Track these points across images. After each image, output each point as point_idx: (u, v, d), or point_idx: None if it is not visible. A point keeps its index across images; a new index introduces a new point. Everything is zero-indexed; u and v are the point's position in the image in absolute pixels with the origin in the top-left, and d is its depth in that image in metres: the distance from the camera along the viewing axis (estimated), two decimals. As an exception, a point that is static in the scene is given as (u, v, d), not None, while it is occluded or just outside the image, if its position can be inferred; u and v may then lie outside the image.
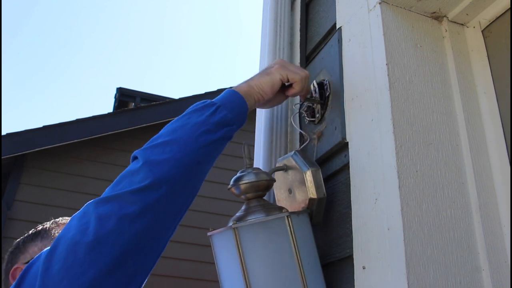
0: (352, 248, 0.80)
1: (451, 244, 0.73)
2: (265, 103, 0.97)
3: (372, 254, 0.75)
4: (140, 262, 0.74)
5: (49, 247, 0.71)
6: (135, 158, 0.81)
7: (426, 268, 0.69)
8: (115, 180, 0.78)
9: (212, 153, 0.84)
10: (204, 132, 0.83)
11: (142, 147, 0.82)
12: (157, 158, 0.78)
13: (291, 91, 0.97)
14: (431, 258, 0.70)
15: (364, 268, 0.76)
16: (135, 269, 0.73)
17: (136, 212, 0.72)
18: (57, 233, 1.09)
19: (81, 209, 0.75)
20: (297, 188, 0.90)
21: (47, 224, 1.13)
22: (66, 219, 1.15)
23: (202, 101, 0.88)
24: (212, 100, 0.87)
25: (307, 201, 0.87)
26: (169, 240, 0.81)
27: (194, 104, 0.88)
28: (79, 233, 0.70)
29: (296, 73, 0.95)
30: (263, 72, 0.95)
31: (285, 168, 0.94)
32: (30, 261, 0.73)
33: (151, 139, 0.84)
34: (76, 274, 0.67)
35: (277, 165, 0.96)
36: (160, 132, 0.85)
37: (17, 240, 1.12)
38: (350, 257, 0.80)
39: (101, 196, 0.75)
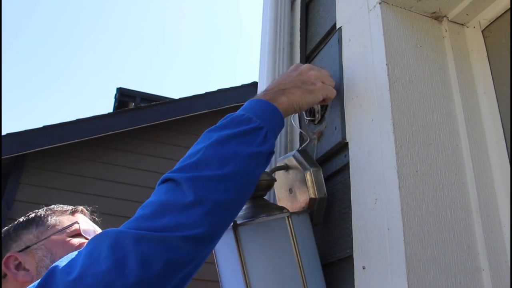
0: (352, 248, 0.80)
1: (451, 244, 0.73)
2: None
3: (372, 254, 0.75)
4: None
5: (65, 264, 0.62)
6: (172, 180, 0.69)
7: (426, 268, 0.69)
8: (154, 205, 0.66)
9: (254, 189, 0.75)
10: (258, 166, 0.73)
11: (183, 171, 0.69)
12: (214, 198, 0.66)
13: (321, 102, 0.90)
14: (431, 258, 0.70)
15: (364, 268, 0.76)
16: None
17: (185, 260, 0.63)
18: (53, 220, 1.05)
19: (111, 235, 0.63)
20: (298, 187, 0.90)
21: (41, 211, 1.09)
22: (60, 207, 1.11)
23: (245, 117, 0.76)
24: (256, 120, 0.76)
25: (307, 201, 0.87)
26: None
27: (236, 120, 0.76)
28: (115, 271, 0.59)
29: (333, 93, 0.89)
30: (303, 86, 0.84)
31: (286, 168, 0.93)
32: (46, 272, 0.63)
33: (189, 160, 0.71)
34: None
35: (278, 164, 0.96)
36: (203, 154, 0.71)
37: (5, 228, 1.08)
38: (350, 257, 0.80)
39: (138, 225, 0.63)
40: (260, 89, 1.16)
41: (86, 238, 1.04)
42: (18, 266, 0.98)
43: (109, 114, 5.33)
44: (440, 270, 0.70)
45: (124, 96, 7.54)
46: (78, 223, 1.06)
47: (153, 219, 0.64)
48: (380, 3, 0.88)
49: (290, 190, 0.93)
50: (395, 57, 0.84)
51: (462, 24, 0.93)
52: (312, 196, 0.86)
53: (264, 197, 0.88)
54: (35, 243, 1.00)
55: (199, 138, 0.76)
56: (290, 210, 0.83)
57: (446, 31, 0.91)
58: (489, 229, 0.75)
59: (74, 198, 4.73)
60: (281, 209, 0.82)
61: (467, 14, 0.90)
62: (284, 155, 1.06)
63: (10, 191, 4.66)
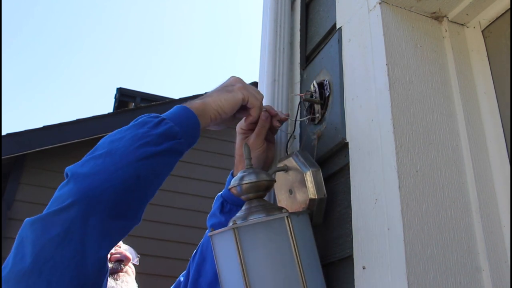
0: (352, 248, 0.80)
1: (451, 244, 0.73)
2: (221, 122, 0.92)
3: (372, 254, 0.75)
4: None
5: None
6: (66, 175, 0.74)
7: (426, 268, 0.69)
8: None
9: (157, 167, 0.76)
10: (144, 144, 0.75)
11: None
12: (86, 171, 0.71)
13: (248, 118, 0.94)
14: (431, 258, 0.70)
15: (364, 268, 0.76)
16: None
17: (61, 236, 0.66)
18: None
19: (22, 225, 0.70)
20: (298, 188, 0.90)
21: None
22: None
23: (146, 114, 0.82)
24: (157, 114, 0.81)
25: (307, 202, 0.87)
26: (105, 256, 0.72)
27: (137, 117, 0.81)
28: (15, 263, 0.66)
29: (256, 98, 0.91)
30: (223, 89, 0.89)
31: (285, 169, 0.94)
32: None
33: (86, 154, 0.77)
34: None
35: (278, 165, 0.96)
36: (96, 145, 0.78)
37: None
38: (350, 257, 0.80)
39: (33, 217, 0.69)
40: (260, 89, 1.16)
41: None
42: None
43: (109, 114, 5.33)
44: (440, 270, 0.70)
45: (124, 96, 7.55)
46: None
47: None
48: (380, 3, 0.88)
49: (290, 191, 0.93)
50: (395, 57, 0.84)
51: (462, 24, 0.93)
52: (312, 196, 0.86)
53: (264, 198, 0.88)
54: None
55: None
56: (290, 211, 0.83)
57: (446, 31, 0.91)
58: (489, 229, 0.75)
59: (74, 198, 4.72)
60: (280, 209, 0.82)
61: (467, 14, 0.90)
62: (284, 156, 1.06)
63: (10, 191, 4.66)
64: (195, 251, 1.08)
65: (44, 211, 0.69)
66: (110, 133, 0.79)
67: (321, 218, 0.90)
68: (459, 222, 0.75)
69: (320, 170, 0.89)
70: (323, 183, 0.88)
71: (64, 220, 0.67)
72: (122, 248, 1.13)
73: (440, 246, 0.72)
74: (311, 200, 0.87)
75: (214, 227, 0.95)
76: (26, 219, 0.70)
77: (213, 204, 1.05)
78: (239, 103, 0.89)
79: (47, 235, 0.66)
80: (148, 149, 0.75)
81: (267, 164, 1.01)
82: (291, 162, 0.92)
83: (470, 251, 0.74)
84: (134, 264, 1.16)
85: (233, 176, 1.02)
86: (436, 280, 0.69)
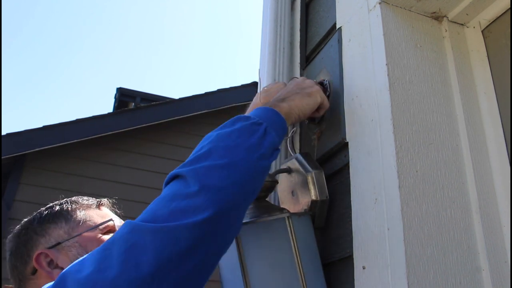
0: (352, 248, 0.80)
1: (451, 244, 0.73)
2: None
3: (372, 254, 0.75)
4: None
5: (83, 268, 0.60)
6: (177, 176, 0.70)
7: (426, 268, 0.69)
8: (162, 196, 0.67)
9: (263, 181, 0.75)
10: (262, 157, 0.73)
11: (187, 165, 0.70)
12: (217, 184, 0.67)
13: (316, 115, 0.94)
14: (431, 258, 0.70)
15: (364, 268, 0.76)
16: None
17: (189, 248, 0.62)
18: (82, 215, 1.00)
19: (125, 228, 0.63)
20: (300, 190, 0.90)
21: (65, 204, 1.02)
22: (85, 199, 1.06)
23: (243, 116, 0.79)
24: (254, 117, 0.78)
25: (309, 203, 0.87)
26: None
27: (235, 118, 0.79)
28: (126, 270, 0.59)
29: (327, 100, 0.93)
30: (303, 92, 0.88)
31: (288, 171, 0.94)
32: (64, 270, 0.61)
33: (193, 156, 0.73)
34: None
35: (281, 167, 0.96)
36: (205, 148, 0.73)
37: (25, 220, 1.01)
38: (350, 257, 0.80)
39: (147, 217, 0.64)
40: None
41: None
42: (50, 264, 0.94)
43: (109, 114, 5.33)
44: (440, 270, 0.70)
45: (124, 96, 7.55)
46: (113, 220, 1.03)
47: (163, 202, 0.65)
48: (380, 3, 0.88)
49: (293, 193, 0.93)
50: (395, 57, 0.84)
51: (462, 24, 0.93)
52: (314, 198, 0.86)
53: (266, 199, 0.88)
54: (67, 240, 0.96)
55: (201, 140, 0.77)
56: (292, 212, 0.83)
57: (446, 31, 0.91)
58: (489, 229, 0.75)
59: (74, 198, 4.72)
60: (282, 210, 0.82)
61: (467, 14, 0.90)
62: (285, 157, 1.06)
63: (10, 191, 4.66)
64: None
65: (168, 217, 0.63)
66: (217, 134, 0.75)
67: (323, 221, 0.89)
68: (459, 222, 0.75)
69: (323, 172, 0.89)
70: (326, 185, 0.88)
71: (197, 233, 0.63)
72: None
73: (440, 246, 0.72)
74: (313, 201, 0.87)
75: None
76: (135, 222, 0.63)
77: None
78: (317, 106, 0.90)
79: (177, 248, 0.61)
80: (265, 163, 0.74)
81: None
82: (294, 163, 0.92)
83: (470, 251, 0.74)
84: None
85: None
86: (436, 280, 0.69)
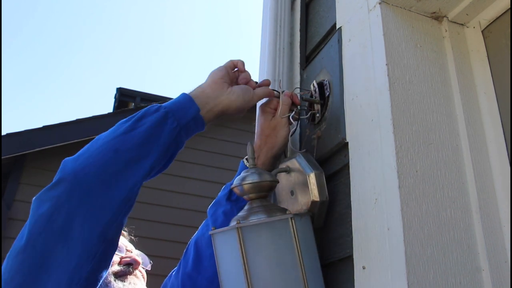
0: (352, 248, 0.80)
1: (451, 244, 0.73)
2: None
3: (372, 254, 0.75)
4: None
5: None
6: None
7: (426, 268, 0.69)
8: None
9: (138, 140, 0.81)
10: (124, 123, 0.83)
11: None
12: (73, 157, 0.80)
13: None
14: (431, 258, 0.70)
15: (364, 268, 0.76)
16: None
17: (50, 211, 0.73)
18: None
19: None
20: (300, 190, 0.90)
21: None
22: None
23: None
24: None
25: (309, 204, 0.87)
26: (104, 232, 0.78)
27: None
28: (16, 242, 0.74)
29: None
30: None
31: (288, 170, 0.94)
32: None
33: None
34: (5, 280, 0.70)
35: (280, 166, 0.96)
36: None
37: None
38: (350, 257, 0.80)
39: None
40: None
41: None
42: None
43: (109, 114, 5.33)
44: (440, 270, 0.70)
45: (124, 96, 7.54)
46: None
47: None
48: (380, 3, 0.88)
49: (292, 192, 0.93)
50: (395, 57, 0.84)
51: (462, 24, 0.93)
52: (314, 199, 0.86)
53: (267, 199, 0.88)
54: None
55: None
56: (292, 212, 0.83)
57: (446, 31, 0.91)
58: (489, 229, 0.75)
59: (74, 198, 4.71)
60: (284, 210, 0.82)
61: (467, 14, 0.90)
62: (285, 156, 1.06)
63: (10, 191, 4.66)
64: (186, 248, 1.07)
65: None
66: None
67: (322, 221, 0.89)
68: (459, 222, 0.75)
69: (323, 172, 0.88)
70: (326, 186, 0.88)
71: (52, 196, 0.74)
72: (134, 253, 1.13)
73: (440, 246, 0.72)
74: (313, 202, 0.86)
75: (218, 215, 0.96)
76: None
77: (219, 193, 1.04)
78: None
79: (39, 211, 0.73)
80: (127, 125, 0.82)
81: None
82: (294, 163, 0.92)
83: (470, 251, 0.73)
84: (146, 270, 1.17)
85: (245, 164, 1.03)
86: (436, 280, 0.69)
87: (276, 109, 0.99)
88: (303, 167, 0.89)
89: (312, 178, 0.87)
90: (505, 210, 0.77)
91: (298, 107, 1.05)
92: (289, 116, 0.97)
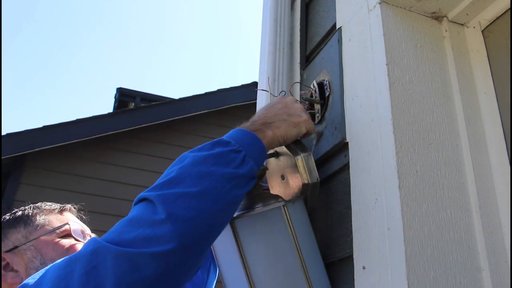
0: (352, 248, 0.80)
1: (451, 244, 0.73)
2: None
3: (372, 254, 0.75)
4: None
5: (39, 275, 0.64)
6: (145, 199, 0.69)
7: (426, 268, 0.69)
8: (128, 218, 0.67)
9: (235, 210, 0.74)
10: (234, 187, 0.71)
11: (156, 189, 0.69)
12: (184, 214, 0.66)
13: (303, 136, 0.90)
14: (431, 258, 0.70)
15: (364, 268, 0.76)
16: None
17: (153, 277, 0.62)
18: (42, 219, 1.02)
19: (90, 247, 0.64)
20: (290, 174, 0.89)
21: (28, 210, 1.05)
22: (48, 205, 1.07)
23: (223, 141, 0.77)
24: (235, 144, 0.76)
25: (300, 187, 0.86)
26: None
27: (214, 142, 0.76)
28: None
29: (314, 128, 0.89)
30: (289, 120, 0.84)
31: (276, 155, 0.93)
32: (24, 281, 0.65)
33: (164, 179, 0.71)
34: None
35: (269, 152, 0.94)
36: (178, 172, 0.71)
37: None
38: (350, 257, 0.80)
39: (113, 238, 0.64)
40: (260, 88, 1.17)
41: (76, 239, 1.02)
42: (6, 267, 0.96)
43: (109, 114, 5.33)
44: (440, 270, 0.70)
45: (124, 96, 7.54)
46: (69, 224, 1.04)
47: (127, 227, 0.65)
48: (380, 3, 0.88)
49: (282, 177, 0.92)
50: (395, 57, 0.84)
51: (462, 24, 0.93)
52: (305, 181, 0.85)
53: (257, 187, 0.87)
54: (24, 243, 0.98)
55: (176, 160, 0.76)
56: (283, 197, 0.83)
57: (446, 31, 0.91)
58: (489, 229, 0.75)
59: (74, 198, 4.73)
60: (276, 197, 0.82)
61: (467, 14, 0.90)
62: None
63: (10, 191, 4.66)
64: None
65: (131, 241, 0.63)
66: (192, 157, 0.73)
67: (315, 203, 0.88)
68: (459, 222, 0.75)
69: (311, 154, 0.87)
70: (315, 167, 0.86)
71: (160, 264, 0.63)
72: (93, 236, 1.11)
73: (440, 246, 0.72)
74: (304, 185, 0.85)
75: None
76: (100, 242, 0.63)
77: None
78: (301, 136, 0.87)
79: (138, 275, 0.61)
80: (237, 193, 0.72)
81: None
82: (281, 148, 0.90)
83: (470, 251, 0.74)
84: None
85: None
86: (436, 280, 0.69)
87: None
88: (290, 150, 0.87)
89: (300, 161, 0.85)
90: (505, 210, 0.77)
91: None
92: None
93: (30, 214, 1.04)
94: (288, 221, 0.78)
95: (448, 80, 0.87)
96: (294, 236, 0.77)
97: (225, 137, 0.78)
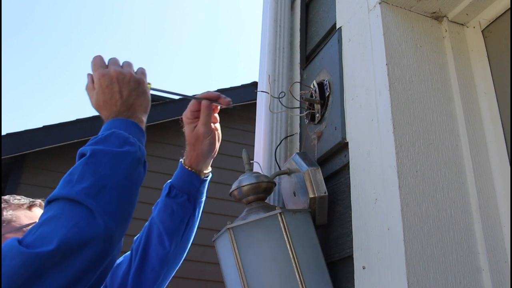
0: (352, 248, 0.80)
1: (451, 244, 0.73)
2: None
3: (372, 254, 0.75)
4: None
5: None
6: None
7: (426, 268, 0.69)
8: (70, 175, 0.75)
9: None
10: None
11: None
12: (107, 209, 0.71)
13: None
14: (431, 258, 0.70)
15: (364, 268, 0.76)
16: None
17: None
18: (9, 215, 1.00)
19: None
20: (300, 189, 0.90)
21: None
22: (17, 199, 1.06)
23: (127, 140, 0.82)
24: (133, 141, 0.82)
25: (308, 201, 0.87)
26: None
27: (121, 141, 0.81)
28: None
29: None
30: (140, 90, 0.90)
31: (288, 172, 0.94)
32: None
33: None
34: None
35: (282, 169, 0.97)
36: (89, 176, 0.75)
37: None
38: (350, 257, 0.80)
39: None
40: (260, 89, 1.17)
41: None
42: None
43: (109, 114, 5.32)
44: (440, 270, 0.70)
45: (124, 96, 7.53)
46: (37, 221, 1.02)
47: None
48: (380, 3, 0.88)
49: (294, 193, 0.93)
50: (395, 57, 0.84)
51: (462, 24, 0.93)
52: (311, 195, 0.86)
53: (265, 201, 0.89)
54: None
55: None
56: (287, 209, 0.84)
57: (446, 31, 0.91)
58: (489, 229, 0.75)
59: (74, 198, 4.72)
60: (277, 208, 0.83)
61: (467, 14, 0.90)
62: (285, 159, 1.06)
63: (10, 191, 4.66)
64: (138, 236, 1.07)
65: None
66: (98, 154, 0.77)
67: (325, 217, 0.89)
68: (459, 222, 0.75)
69: (319, 168, 0.88)
70: (323, 181, 0.88)
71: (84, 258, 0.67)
72: None
73: (440, 246, 0.72)
74: (311, 198, 0.86)
75: (159, 208, 1.01)
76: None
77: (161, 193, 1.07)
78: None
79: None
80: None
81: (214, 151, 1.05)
82: (292, 164, 0.92)
83: (470, 251, 0.74)
84: None
85: (183, 164, 1.04)
86: (436, 280, 0.69)
87: (194, 118, 1.04)
88: (298, 165, 0.89)
89: (307, 175, 0.87)
90: (505, 210, 0.77)
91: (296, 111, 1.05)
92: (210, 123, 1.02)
93: None
94: (285, 228, 0.78)
95: (448, 80, 0.87)
96: (291, 245, 0.77)
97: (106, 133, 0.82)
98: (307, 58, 1.16)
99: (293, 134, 1.10)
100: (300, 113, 1.07)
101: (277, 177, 0.97)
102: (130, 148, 0.78)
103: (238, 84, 5.96)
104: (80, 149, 0.80)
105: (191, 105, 1.04)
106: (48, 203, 0.72)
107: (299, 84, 1.13)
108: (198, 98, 1.01)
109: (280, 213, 0.79)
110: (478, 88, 0.87)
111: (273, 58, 1.17)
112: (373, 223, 0.76)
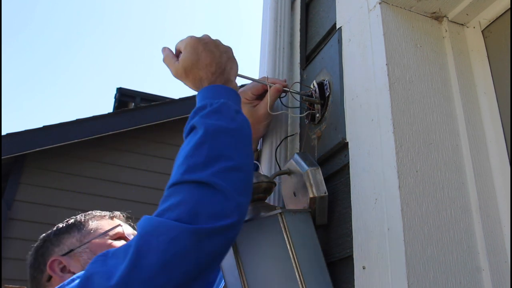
0: (352, 248, 0.80)
1: (451, 244, 0.73)
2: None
3: (372, 254, 0.75)
4: None
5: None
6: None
7: (426, 268, 0.69)
8: (192, 200, 0.68)
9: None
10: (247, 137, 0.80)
11: (204, 169, 0.70)
12: (239, 186, 0.71)
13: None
14: (431, 258, 0.70)
15: (364, 268, 0.76)
16: None
17: (218, 253, 0.67)
18: (94, 224, 1.08)
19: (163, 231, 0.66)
20: (300, 189, 0.90)
21: (80, 217, 1.11)
22: (98, 212, 1.14)
23: (227, 108, 0.81)
24: (237, 108, 0.82)
25: (308, 201, 0.87)
26: None
27: (209, 112, 0.82)
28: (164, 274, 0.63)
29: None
30: (230, 56, 0.91)
31: (288, 172, 0.94)
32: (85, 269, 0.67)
33: (200, 156, 0.73)
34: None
35: (282, 169, 0.97)
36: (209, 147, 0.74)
37: (42, 236, 1.10)
38: (350, 257, 0.80)
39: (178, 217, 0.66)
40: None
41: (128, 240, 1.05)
42: (63, 269, 1.00)
43: (109, 114, 5.33)
44: (440, 270, 0.70)
45: (124, 96, 7.54)
46: (121, 226, 1.09)
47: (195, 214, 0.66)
48: (380, 3, 0.88)
49: (294, 193, 0.93)
50: (395, 57, 0.84)
51: (462, 24, 0.93)
52: (311, 195, 0.86)
53: (265, 201, 0.88)
54: (79, 247, 1.03)
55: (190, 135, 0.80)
56: (287, 209, 0.84)
57: (446, 31, 0.91)
58: (489, 229, 0.75)
59: (74, 198, 4.73)
60: (277, 208, 0.82)
61: (467, 14, 0.90)
62: (285, 160, 1.06)
63: (10, 191, 4.66)
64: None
65: (198, 223, 0.65)
66: (215, 130, 0.76)
67: (325, 218, 0.89)
68: (459, 222, 0.75)
69: (319, 168, 0.88)
70: (323, 181, 0.88)
71: (223, 241, 0.67)
72: None
73: (440, 246, 0.72)
74: (311, 198, 0.86)
75: None
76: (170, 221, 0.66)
77: None
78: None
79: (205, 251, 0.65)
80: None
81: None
82: (292, 164, 0.92)
83: (470, 251, 0.74)
84: None
85: None
86: (436, 280, 0.69)
87: (254, 100, 1.03)
88: (298, 165, 0.89)
89: (307, 175, 0.87)
90: (505, 210, 0.77)
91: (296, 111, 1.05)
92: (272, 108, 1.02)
93: (83, 220, 1.10)
94: (285, 228, 0.78)
95: (448, 80, 0.87)
96: (291, 245, 0.77)
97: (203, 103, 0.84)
98: (307, 58, 1.16)
99: (293, 134, 1.10)
100: (300, 113, 1.07)
101: (277, 177, 0.97)
102: (243, 124, 0.79)
103: (238, 84, 5.96)
104: (192, 122, 0.81)
105: (253, 87, 1.02)
106: (172, 185, 0.70)
107: (299, 84, 1.13)
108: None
109: (280, 213, 0.78)
110: (478, 88, 0.87)
111: (273, 58, 1.17)
112: (373, 223, 0.76)
